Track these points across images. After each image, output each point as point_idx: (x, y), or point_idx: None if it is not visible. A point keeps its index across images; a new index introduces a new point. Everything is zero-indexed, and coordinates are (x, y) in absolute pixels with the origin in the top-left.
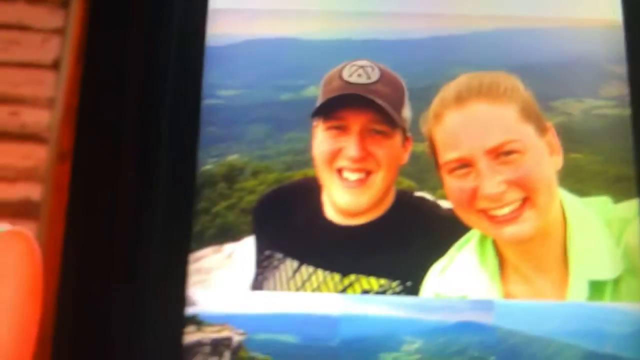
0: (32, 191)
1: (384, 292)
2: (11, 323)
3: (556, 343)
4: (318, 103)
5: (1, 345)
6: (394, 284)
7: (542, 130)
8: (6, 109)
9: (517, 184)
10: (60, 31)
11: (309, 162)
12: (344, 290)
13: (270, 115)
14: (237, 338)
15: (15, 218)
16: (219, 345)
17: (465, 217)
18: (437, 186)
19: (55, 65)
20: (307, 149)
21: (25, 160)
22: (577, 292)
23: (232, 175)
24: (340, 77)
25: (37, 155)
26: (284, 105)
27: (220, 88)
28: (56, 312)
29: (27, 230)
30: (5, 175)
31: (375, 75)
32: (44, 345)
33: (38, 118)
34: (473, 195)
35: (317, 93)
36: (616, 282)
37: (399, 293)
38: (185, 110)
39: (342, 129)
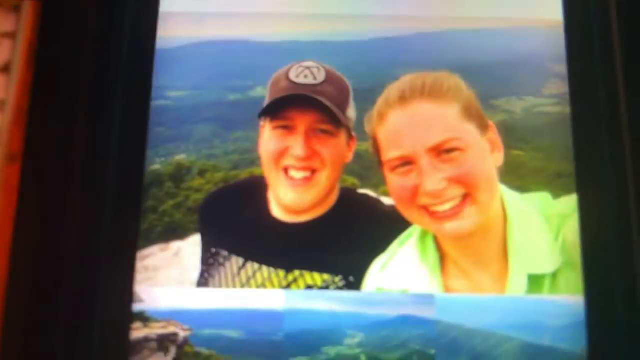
0: None
1: (327, 288)
2: None
3: (496, 336)
4: (265, 103)
5: None
6: (337, 279)
7: (484, 128)
8: None
9: (458, 180)
10: (11, 35)
11: (255, 161)
12: (288, 286)
13: (218, 115)
14: (182, 334)
15: None
16: (164, 341)
17: (406, 213)
18: (379, 184)
19: (5, 69)
20: (253, 148)
21: None
22: (516, 286)
23: (179, 175)
24: (287, 77)
25: None
26: (232, 106)
27: (170, 89)
28: (5, 311)
29: None
30: None
31: (321, 76)
32: None
33: None
34: (415, 192)
35: (264, 93)
36: (554, 275)
37: (341, 288)
38: (134, 112)
39: (288, 129)
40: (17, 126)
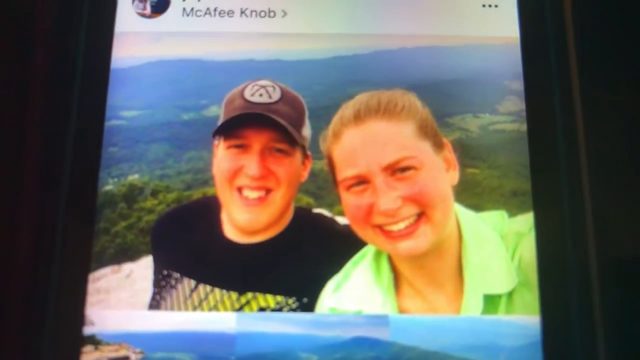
0: None
1: (280, 309)
2: None
3: (452, 357)
4: (219, 122)
5: None
6: (290, 300)
7: (439, 146)
8: None
9: (412, 199)
10: None
11: (209, 180)
12: (240, 309)
13: (172, 134)
14: (134, 357)
15: None
16: None
17: (361, 232)
18: (334, 203)
19: None
20: (207, 168)
21: None
22: (471, 307)
23: (132, 195)
24: (242, 96)
25: None
26: (186, 125)
27: (123, 109)
28: None
29: None
30: None
31: (276, 95)
32: None
33: None
34: (369, 211)
35: (218, 112)
36: (510, 295)
37: (295, 310)
38: (88, 132)
39: (242, 148)
40: None
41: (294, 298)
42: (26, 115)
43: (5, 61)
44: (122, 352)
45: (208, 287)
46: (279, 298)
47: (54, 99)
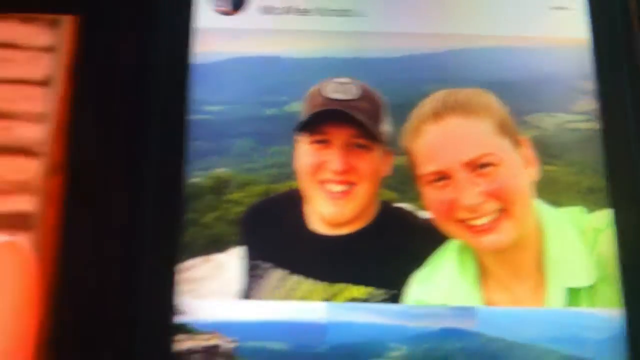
0: (25, 203)
1: (369, 300)
2: (8, 333)
3: (537, 348)
4: (301, 118)
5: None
6: (379, 292)
7: (517, 143)
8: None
9: (493, 195)
10: (49, 49)
11: (293, 174)
12: (330, 299)
13: (255, 129)
14: (227, 345)
15: (10, 229)
16: (209, 353)
17: (444, 226)
18: (416, 197)
19: (45, 82)
20: (291, 162)
21: (17, 174)
22: (555, 299)
23: (219, 188)
24: (323, 93)
25: (29, 169)
26: (268, 120)
27: (207, 104)
28: (52, 322)
29: (22, 240)
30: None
31: (355, 92)
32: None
33: (30, 133)
34: (452, 206)
35: (299, 109)
36: (591, 288)
37: (383, 301)
38: (172, 126)
39: (324, 143)
40: (58, 139)
41: (382, 289)
42: (113, 109)
43: (93, 55)
44: (215, 341)
45: (298, 277)
46: (368, 289)
47: (138, 94)
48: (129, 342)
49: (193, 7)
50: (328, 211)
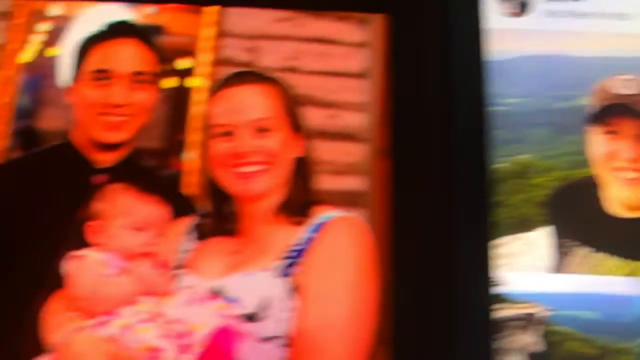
0: (356, 183)
1: None
2: (352, 300)
3: None
4: (591, 111)
5: (343, 322)
6: None
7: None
8: (325, 113)
9: None
10: (363, 44)
11: (587, 162)
12: (632, 274)
13: (549, 120)
14: (542, 314)
15: (344, 206)
16: (525, 320)
17: None
18: None
19: (362, 75)
20: (584, 150)
21: (347, 157)
22: None
23: (522, 172)
24: (610, 89)
25: (356, 153)
26: (560, 113)
27: (506, 97)
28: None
29: (357, 216)
30: (331, 169)
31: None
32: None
33: (354, 120)
34: None
35: (587, 102)
36: None
37: None
38: (476, 117)
39: (614, 134)
40: (380, 126)
41: None
42: (423, 101)
43: (402, 51)
44: (531, 310)
45: (602, 255)
46: None
47: (443, 85)
48: (449, 311)
49: (481, 10)
50: (624, 196)
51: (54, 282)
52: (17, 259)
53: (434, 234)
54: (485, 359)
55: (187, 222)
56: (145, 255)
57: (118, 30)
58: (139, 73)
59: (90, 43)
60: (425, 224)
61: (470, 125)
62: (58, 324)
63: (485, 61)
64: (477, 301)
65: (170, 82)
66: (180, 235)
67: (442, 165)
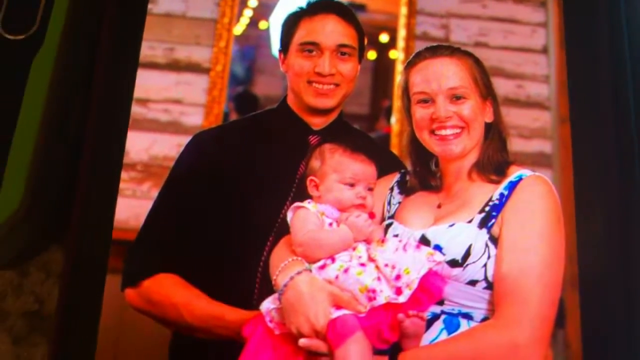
0: (543, 146)
1: None
2: (545, 248)
3: None
4: None
5: (538, 268)
6: None
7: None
8: (512, 83)
9: None
10: (543, 24)
11: None
12: None
13: None
14: None
15: (533, 166)
16: None
17: None
18: None
19: (544, 50)
20: None
21: (534, 122)
22: None
23: None
24: None
25: (542, 119)
26: None
27: None
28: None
29: (544, 176)
30: (520, 133)
31: None
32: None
33: (538, 90)
34: None
35: None
36: None
37: None
38: None
39: None
40: (562, 96)
41: None
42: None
43: (576, 30)
44: None
45: None
46: None
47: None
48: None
49: None
50: None
51: (281, 229)
52: (248, 207)
53: (612, 193)
54: None
55: (394, 178)
56: (358, 206)
57: (323, 7)
58: (343, 45)
59: (298, 17)
60: (604, 185)
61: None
62: (284, 267)
63: None
64: None
65: (372, 55)
66: (388, 190)
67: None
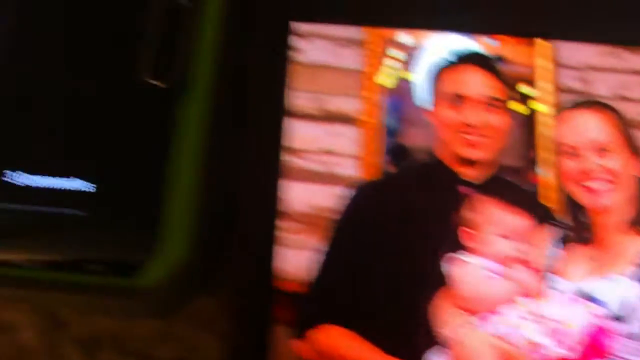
0: None
1: None
2: None
3: None
4: None
5: None
6: None
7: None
8: None
9: None
10: None
11: None
12: None
13: None
14: None
15: None
16: None
17: None
18: None
19: None
20: None
21: None
22: None
23: None
24: None
25: None
26: None
27: None
28: None
29: None
30: None
31: None
32: None
33: None
34: None
35: None
36: None
37: None
38: None
39: None
40: None
41: None
42: None
43: None
44: None
45: None
46: None
47: None
48: None
49: None
50: None
51: (437, 280)
52: (404, 259)
53: None
54: None
55: (551, 231)
56: (518, 260)
57: (469, 58)
58: (491, 98)
59: (444, 69)
60: None
61: None
62: (446, 319)
63: None
64: None
65: (516, 107)
66: (546, 243)
67: None
